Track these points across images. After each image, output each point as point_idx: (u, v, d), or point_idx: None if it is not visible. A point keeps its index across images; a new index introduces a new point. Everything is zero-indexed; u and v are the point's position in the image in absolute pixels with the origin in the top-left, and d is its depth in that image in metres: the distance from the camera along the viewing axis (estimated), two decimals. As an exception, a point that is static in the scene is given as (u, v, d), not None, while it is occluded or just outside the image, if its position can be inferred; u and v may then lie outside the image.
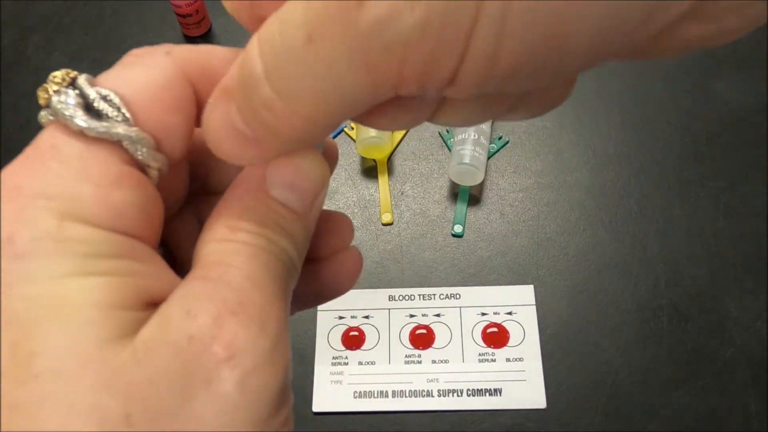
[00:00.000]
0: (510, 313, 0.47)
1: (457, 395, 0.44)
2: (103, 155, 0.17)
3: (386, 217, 0.52)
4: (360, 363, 0.45)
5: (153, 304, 0.17)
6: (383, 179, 0.54)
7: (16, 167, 0.17)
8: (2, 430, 0.15)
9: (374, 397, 0.44)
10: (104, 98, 0.17)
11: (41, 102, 0.17)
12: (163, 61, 0.19)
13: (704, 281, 0.47)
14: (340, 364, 0.45)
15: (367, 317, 0.47)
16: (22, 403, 0.15)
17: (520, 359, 0.45)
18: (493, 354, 0.45)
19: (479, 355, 0.45)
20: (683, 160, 0.53)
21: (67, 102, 0.17)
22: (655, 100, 0.56)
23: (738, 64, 0.58)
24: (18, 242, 0.16)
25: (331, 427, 0.43)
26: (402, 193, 0.53)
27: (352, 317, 0.47)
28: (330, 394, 0.44)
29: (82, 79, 0.18)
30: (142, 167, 0.18)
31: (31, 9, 0.67)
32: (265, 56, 0.15)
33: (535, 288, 0.48)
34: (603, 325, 0.46)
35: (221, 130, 0.17)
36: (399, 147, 0.56)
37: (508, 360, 0.45)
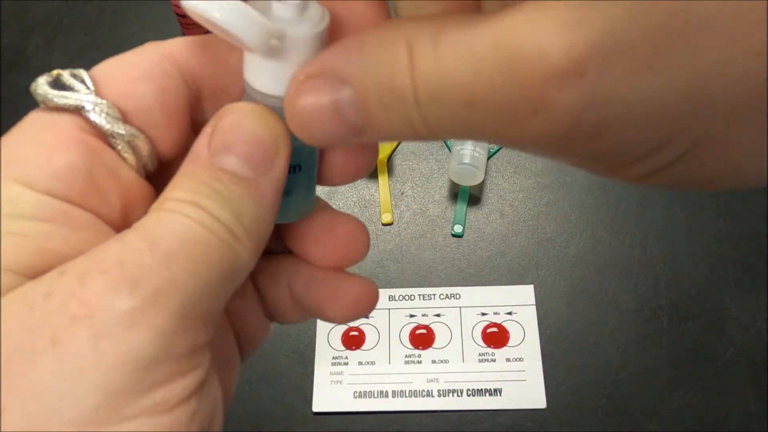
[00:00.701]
0: (510, 313, 0.47)
1: (457, 395, 0.44)
2: (60, 123, 0.17)
3: (386, 217, 0.52)
4: (360, 363, 0.45)
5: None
6: (383, 179, 0.54)
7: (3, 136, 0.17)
8: None
9: (374, 397, 0.44)
10: (73, 75, 0.18)
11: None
12: (145, 48, 0.19)
13: (704, 281, 0.47)
14: (340, 364, 0.45)
15: (367, 317, 0.47)
16: None
17: (520, 359, 0.45)
18: (493, 354, 0.45)
19: (479, 355, 0.45)
20: (683, 160, 0.53)
21: (38, 82, 0.18)
22: (655, 100, 0.56)
23: (738, 64, 0.58)
24: None
25: (331, 427, 0.43)
26: (402, 193, 0.53)
27: (352, 317, 0.47)
28: (330, 394, 0.44)
29: (66, 71, 0.18)
30: (108, 139, 0.18)
31: (31, 9, 0.67)
32: (428, 83, 0.14)
33: (535, 288, 0.48)
34: (603, 325, 0.46)
35: (319, 111, 0.16)
36: (399, 147, 0.56)
37: (508, 360, 0.45)
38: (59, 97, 0.17)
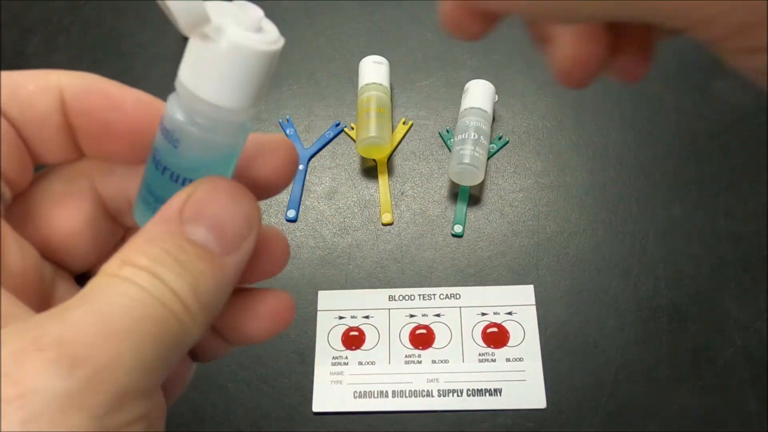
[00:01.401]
0: (510, 313, 0.47)
1: (457, 395, 0.44)
2: None
3: (386, 217, 0.52)
4: (360, 363, 0.45)
5: None
6: (383, 179, 0.54)
7: None
8: None
9: (374, 397, 0.44)
10: None
11: None
12: None
13: (704, 281, 0.47)
14: (340, 364, 0.45)
15: (367, 317, 0.47)
16: None
17: (520, 359, 0.45)
18: (493, 354, 0.45)
19: (479, 355, 0.45)
20: (683, 160, 0.53)
21: None
22: (655, 100, 0.56)
23: (738, 64, 0.58)
24: None
25: (331, 427, 0.43)
26: (402, 193, 0.53)
27: (352, 317, 0.47)
28: (330, 394, 0.44)
29: None
30: None
31: (31, 9, 0.67)
32: None
33: (535, 288, 0.48)
34: (603, 325, 0.46)
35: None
36: (399, 147, 0.56)
37: (508, 360, 0.45)
38: None
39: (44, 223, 0.19)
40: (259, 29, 0.19)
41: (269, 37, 0.19)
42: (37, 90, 0.19)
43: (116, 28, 0.65)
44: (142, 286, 0.16)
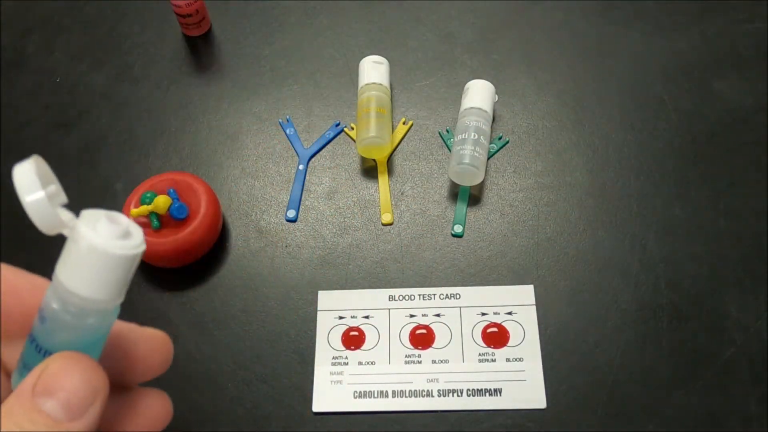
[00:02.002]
0: (510, 313, 0.47)
1: (457, 395, 0.44)
2: None
3: (386, 217, 0.52)
4: (360, 363, 0.45)
5: None
6: (383, 179, 0.54)
7: None
8: None
9: (374, 397, 0.44)
10: None
11: None
12: None
13: (704, 281, 0.47)
14: (340, 364, 0.45)
15: (367, 317, 0.47)
16: None
17: (520, 359, 0.45)
18: (493, 354, 0.45)
19: (479, 355, 0.45)
20: (683, 160, 0.53)
21: None
22: (655, 100, 0.56)
23: (738, 64, 0.58)
24: None
25: (331, 427, 0.43)
26: (402, 193, 0.53)
27: (352, 317, 0.47)
28: (330, 394, 0.44)
29: None
30: None
31: (31, 9, 0.67)
32: None
33: (535, 288, 0.48)
34: (603, 325, 0.46)
35: None
36: (399, 147, 0.56)
37: (508, 360, 0.45)
38: None
39: None
40: (125, 235, 0.22)
41: (132, 242, 0.22)
42: None
43: (116, 28, 0.65)
44: None
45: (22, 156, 0.59)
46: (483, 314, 0.47)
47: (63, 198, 0.22)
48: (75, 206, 0.58)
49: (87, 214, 0.22)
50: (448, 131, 0.56)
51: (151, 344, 0.25)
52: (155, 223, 0.48)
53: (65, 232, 0.22)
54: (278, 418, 0.44)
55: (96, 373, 0.21)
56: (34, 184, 0.22)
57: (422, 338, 0.46)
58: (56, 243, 0.59)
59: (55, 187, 0.22)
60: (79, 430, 0.20)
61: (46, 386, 0.20)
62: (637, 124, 0.55)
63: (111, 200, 0.54)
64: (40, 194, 0.21)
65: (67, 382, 0.20)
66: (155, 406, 0.25)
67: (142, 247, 0.22)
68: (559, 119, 0.56)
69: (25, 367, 0.22)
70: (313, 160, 0.55)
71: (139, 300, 0.49)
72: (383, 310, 0.47)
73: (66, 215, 0.21)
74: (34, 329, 0.22)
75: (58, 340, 0.22)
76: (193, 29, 0.63)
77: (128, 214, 0.48)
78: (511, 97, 0.58)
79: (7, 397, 0.20)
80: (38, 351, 0.22)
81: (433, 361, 0.45)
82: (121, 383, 0.25)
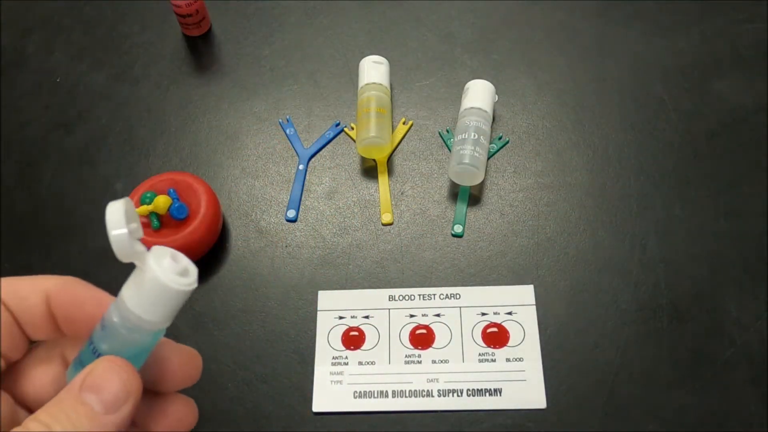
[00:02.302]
0: (510, 313, 0.47)
1: (457, 395, 0.44)
2: None
3: (386, 217, 0.52)
4: (360, 363, 0.45)
5: None
6: (383, 179, 0.54)
7: None
8: None
9: (374, 397, 0.44)
10: None
11: None
12: None
13: (704, 281, 0.47)
14: (340, 364, 0.45)
15: (367, 317, 0.47)
16: None
17: (520, 359, 0.45)
18: (493, 354, 0.45)
19: (479, 355, 0.45)
20: (683, 160, 0.53)
21: None
22: (655, 100, 0.56)
23: (738, 64, 0.58)
24: None
25: (331, 427, 0.43)
26: (402, 193, 0.53)
27: (352, 317, 0.47)
28: (330, 394, 0.44)
29: None
30: None
31: (31, 9, 0.67)
32: None
33: (535, 288, 0.48)
34: (603, 325, 0.46)
35: None
36: (399, 147, 0.56)
37: (508, 360, 0.45)
38: None
39: (24, 379, 0.29)
40: (183, 272, 0.27)
41: (188, 280, 0.27)
42: (31, 290, 0.28)
43: (116, 28, 0.65)
44: None
45: (22, 156, 0.59)
46: (483, 314, 0.47)
47: (140, 233, 0.26)
48: (75, 206, 0.58)
49: (156, 249, 0.27)
50: (448, 131, 0.56)
51: (183, 359, 0.30)
52: (155, 223, 0.48)
53: (136, 263, 0.26)
54: (278, 418, 0.44)
55: (132, 378, 0.26)
56: (120, 221, 0.26)
57: (422, 338, 0.46)
58: (56, 243, 0.59)
59: (136, 225, 0.27)
60: (112, 422, 0.25)
61: (91, 383, 0.25)
62: (637, 124, 0.55)
63: (111, 200, 0.54)
64: (124, 230, 0.26)
65: (107, 382, 0.26)
66: (182, 411, 0.30)
67: (195, 285, 0.27)
68: (559, 119, 0.56)
69: (81, 364, 0.27)
70: (313, 160, 0.55)
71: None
72: (383, 310, 0.47)
73: (140, 248, 0.26)
74: (94, 334, 0.27)
75: (111, 347, 0.27)
76: (193, 29, 0.63)
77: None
78: (511, 97, 0.58)
79: (64, 388, 0.26)
80: (93, 353, 0.27)
81: (433, 361, 0.45)
82: (155, 389, 0.29)
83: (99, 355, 0.27)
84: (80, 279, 0.28)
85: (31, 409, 0.29)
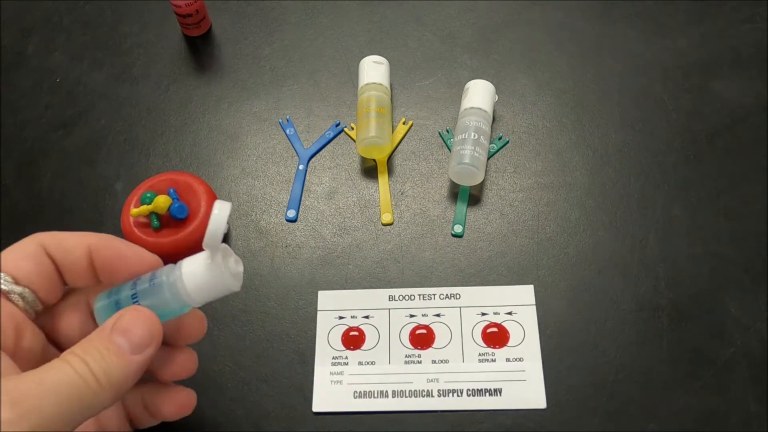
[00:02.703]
0: (510, 313, 0.47)
1: (457, 395, 0.44)
2: None
3: (386, 217, 0.52)
4: (360, 363, 0.45)
5: None
6: (383, 179, 0.54)
7: None
8: None
9: (374, 397, 0.44)
10: None
11: None
12: (27, 238, 0.33)
13: (704, 281, 0.47)
14: (340, 364, 0.45)
15: (367, 317, 0.47)
16: None
17: (520, 359, 0.45)
18: (493, 354, 0.45)
19: (479, 355, 0.45)
20: (683, 160, 0.53)
21: None
22: (655, 100, 0.56)
23: (738, 64, 0.58)
24: None
25: (331, 427, 0.43)
26: (402, 193, 0.53)
27: (352, 317, 0.47)
28: (330, 394, 0.44)
29: None
30: (7, 294, 0.30)
31: (31, 9, 0.67)
32: None
33: (535, 288, 0.48)
34: (603, 325, 0.46)
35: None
36: (399, 147, 0.56)
37: (508, 360, 0.45)
38: None
39: (57, 320, 0.33)
40: (236, 276, 0.33)
41: (236, 283, 0.33)
42: (76, 244, 0.32)
43: (116, 28, 0.65)
44: (72, 365, 0.28)
45: (22, 156, 0.59)
46: (483, 314, 0.47)
47: (226, 229, 0.32)
48: (76, 206, 0.58)
49: (226, 247, 0.33)
50: (448, 131, 0.56)
51: (193, 320, 0.36)
52: (155, 223, 0.48)
53: (210, 252, 0.32)
54: (278, 418, 0.44)
55: (156, 326, 0.31)
56: (224, 220, 0.31)
57: (422, 338, 0.46)
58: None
59: (228, 225, 0.31)
60: (136, 361, 0.30)
61: (121, 327, 0.30)
62: (637, 124, 0.55)
63: (111, 200, 0.54)
64: (221, 230, 0.31)
65: (135, 328, 0.30)
66: (187, 359, 0.36)
67: (238, 289, 0.33)
68: (559, 119, 0.56)
69: (117, 306, 0.32)
70: (313, 160, 0.55)
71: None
72: (383, 310, 0.47)
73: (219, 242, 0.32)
74: (138, 285, 0.32)
75: (149, 300, 0.32)
76: (193, 29, 0.63)
77: (128, 214, 0.48)
78: (511, 97, 0.58)
79: (96, 329, 0.30)
80: (133, 299, 0.32)
81: (433, 361, 0.45)
82: (169, 343, 0.35)
83: (136, 302, 0.32)
84: (118, 238, 0.33)
85: (60, 347, 0.33)
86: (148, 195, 0.48)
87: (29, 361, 0.30)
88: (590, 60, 0.59)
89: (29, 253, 0.31)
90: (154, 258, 0.34)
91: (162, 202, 0.47)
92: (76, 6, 0.67)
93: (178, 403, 0.35)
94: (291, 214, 0.52)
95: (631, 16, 0.62)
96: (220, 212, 0.31)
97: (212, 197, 0.49)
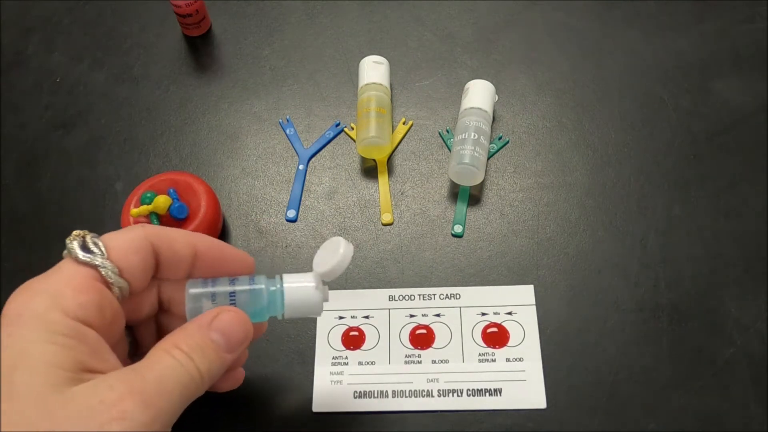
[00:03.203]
0: (510, 313, 0.47)
1: (457, 395, 0.44)
2: (84, 273, 0.30)
3: (386, 217, 0.52)
4: (360, 363, 0.45)
5: (89, 371, 0.28)
6: (383, 179, 0.54)
7: (43, 275, 0.30)
8: None
9: (374, 397, 0.44)
10: (94, 243, 0.31)
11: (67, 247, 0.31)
12: (136, 229, 0.33)
13: (704, 281, 0.47)
14: (340, 364, 0.45)
15: (367, 317, 0.47)
16: None
17: (520, 359, 0.45)
18: (493, 354, 0.45)
19: (479, 355, 0.45)
20: (683, 160, 0.53)
21: (72, 243, 0.31)
22: (655, 100, 0.56)
23: (738, 64, 0.58)
24: (23, 316, 0.28)
25: (331, 427, 0.43)
26: (402, 193, 0.53)
27: (352, 317, 0.47)
28: (330, 394, 0.44)
29: (89, 234, 0.32)
30: (108, 285, 0.31)
31: (31, 9, 0.67)
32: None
33: (535, 288, 0.48)
34: (603, 325, 0.46)
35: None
36: (399, 147, 0.56)
37: (508, 360, 0.45)
38: (85, 256, 0.31)
39: (135, 306, 0.35)
40: (325, 299, 0.37)
41: (321, 309, 0.37)
42: (184, 244, 0.34)
43: (116, 28, 0.65)
44: (181, 363, 0.30)
45: (22, 156, 0.59)
46: (483, 314, 0.47)
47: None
48: (76, 206, 0.58)
49: (318, 276, 0.37)
50: (448, 131, 0.56)
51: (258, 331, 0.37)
52: (155, 223, 0.48)
53: (320, 279, 0.36)
54: (278, 418, 0.44)
55: (250, 330, 0.33)
56: (348, 262, 0.36)
57: (422, 338, 0.46)
58: (56, 243, 0.59)
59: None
60: (230, 359, 0.33)
61: (220, 326, 0.32)
62: (637, 124, 0.55)
63: (111, 200, 0.54)
64: (341, 268, 0.36)
65: (233, 328, 0.33)
66: (240, 373, 0.39)
67: (319, 315, 0.37)
68: (559, 119, 0.56)
69: (213, 300, 0.34)
70: (313, 160, 0.55)
71: (139, 300, 0.49)
72: (383, 310, 0.47)
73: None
74: (237, 285, 0.35)
75: (245, 302, 0.35)
76: (193, 29, 0.63)
77: (128, 214, 0.48)
78: (511, 97, 0.58)
79: (188, 323, 0.32)
80: (230, 296, 0.34)
81: (433, 361, 0.45)
82: None
83: (233, 301, 0.34)
84: (221, 241, 0.36)
85: (137, 335, 0.36)
86: (148, 195, 0.48)
87: (115, 347, 0.32)
88: (590, 60, 0.59)
89: (139, 248, 0.32)
90: (252, 261, 0.37)
91: (162, 202, 0.47)
92: (76, 6, 0.67)
93: (234, 379, 0.38)
94: (291, 214, 0.52)
95: (631, 16, 0.62)
96: (347, 253, 0.36)
97: (212, 197, 0.50)
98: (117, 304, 0.31)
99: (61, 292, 0.29)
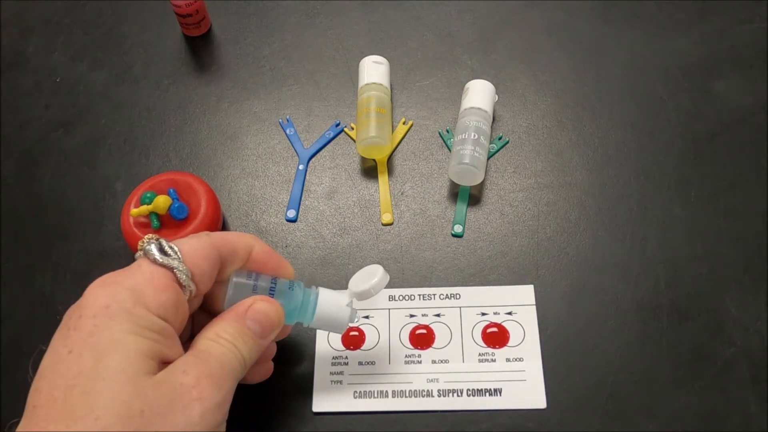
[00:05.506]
0: (510, 313, 0.47)
1: (457, 395, 0.44)
2: (162, 274, 0.34)
3: (386, 217, 0.52)
4: (360, 363, 0.45)
5: (164, 361, 0.32)
6: (383, 179, 0.54)
7: (122, 271, 0.34)
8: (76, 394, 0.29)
9: (374, 397, 0.44)
10: (170, 247, 0.35)
11: (138, 248, 0.35)
12: (203, 237, 0.36)
13: (704, 281, 0.47)
14: (340, 364, 0.45)
15: (367, 317, 0.47)
16: (90, 389, 0.29)
17: (520, 359, 0.45)
18: (493, 354, 0.45)
19: (479, 355, 0.45)
20: (683, 160, 0.53)
21: (150, 245, 0.35)
22: (655, 100, 0.56)
23: (738, 64, 0.58)
24: (111, 309, 0.32)
25: (331, 427, 0.43)
26: (402, 193, 0.53)
27: (352, 317, 0.47)
28: (330, 394, 0.44)
29: (163, 239, 0.35)
30: (181, 286, 0.34)
31: (31, 9, 0.67)
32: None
33: (535, 288, 0.48)
34: (603, 325, 0.46)
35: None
36: (399, 147, 0.56)
37: (508, 360, 0.45)
38: (164, 259, 0.34)
39: (192, 303, 0.37)
40: (352, 318, 0.41)
41: (347, 327, 0.41)
42: (243, 247, 0.38)
43: (116, 28, 0.65)
44: (230, 350, 0.34)
45: (22, 156, 0.59)
46: (483, 314, 0.47)
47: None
48: (76, 206, 0.58)
49: (352, 295, 0.40)
50: (448, 131, 0.56)
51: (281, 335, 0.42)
52: (155, 223, 0.48)
53: (353, 298, 0.40)
54: (278, 418, 0.44)
55: (282, 317, 0.37)
56: (382, 287, 0.40)
57: (422, 338, 0.46)
58: (56, 243, 0.59)
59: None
60: (263, 344, 0.37)
61: (253, 313, 0.36)
62: (637, 124, 0.55)
63: (111, 200, 0.54)
64: (374, 292, 0.40)
65: (267, 315, 0.36)
66: (269, 367, 0.42)
67: (342, 333, 0.42)
68: (559, 119, 0.56)
69: (254, 290, 0.38)
70: (313, 160, 0.55)
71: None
72: (383, 310, 0.47)
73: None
74: (278, 284, 0.39)
75: (281, 300, 0.38)
76: (193, 29, 0.63)
77: (128, 214, 0.48)
78: (511, 97, 0.58)
79: (225, 312, 0.36)
80: (270, 290, 0.38)
81: (433, 361, 0.45)
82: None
83: (272, 295, 0.38)
84: (270, 247, 0.40)
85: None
86: (148, 195, 0.48)
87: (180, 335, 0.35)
88: (590, 60, 0.59)
89: (208, 255, 0.36)
90: (292, 269, 0.41)
91: (162, 202, 0.47)
92: (76, 6, 0.67)
93: (265, 371, 0.42)
94: (291, 214, 0.52)
95: (631, 16, 0.62)
96: (383, 279, 0.39)
97: (212, 197, 0.50)
98: (186, 304, 0.35)
99: (143, 290, 0.33)
